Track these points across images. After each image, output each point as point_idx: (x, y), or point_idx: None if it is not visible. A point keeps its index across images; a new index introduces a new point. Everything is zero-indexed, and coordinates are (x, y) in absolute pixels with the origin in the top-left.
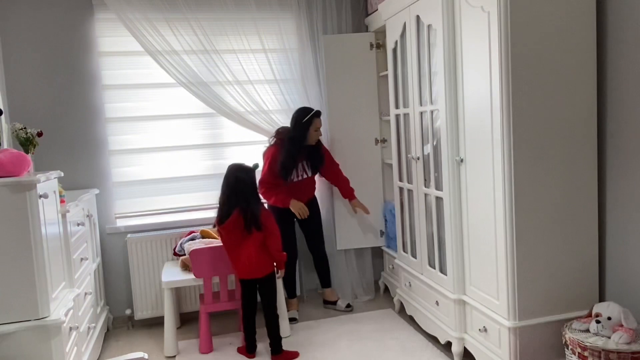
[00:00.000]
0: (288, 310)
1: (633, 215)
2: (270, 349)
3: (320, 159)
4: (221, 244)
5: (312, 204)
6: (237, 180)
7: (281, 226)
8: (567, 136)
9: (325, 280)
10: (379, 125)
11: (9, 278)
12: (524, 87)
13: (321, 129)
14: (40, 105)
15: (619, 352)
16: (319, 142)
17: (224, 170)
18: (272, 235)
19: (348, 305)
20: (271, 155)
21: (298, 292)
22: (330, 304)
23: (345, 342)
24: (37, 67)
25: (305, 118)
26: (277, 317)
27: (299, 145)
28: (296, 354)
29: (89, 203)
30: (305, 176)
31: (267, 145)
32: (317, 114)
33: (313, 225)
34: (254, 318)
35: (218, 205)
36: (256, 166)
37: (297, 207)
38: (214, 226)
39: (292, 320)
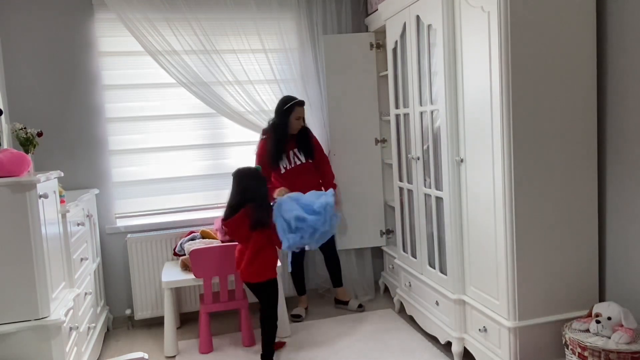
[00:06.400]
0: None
1: (633, 215)
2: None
3: (309, 145)
4: (221, 244)
5: None
6: (249, 182)
7: None
8: (567, 136)
9: (336, 279)
10: (379, 125)
11: (9, 278)
12: (524, 87)
13: (306, 125)
14: (40, 105)
15: (619, 352)
16: (306, 131)
17: (224, 170)
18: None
19: (360, 306)
20: (260, 147)
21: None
22: (341, 303)
23: (345, 342)
24: (37, 67)
25: (286, 105)
26: (274, 327)
27: (283, 131)
28: None
29: (89, 203)
30: (298, 162)
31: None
32: (299, 103)
33: None
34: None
35: (227, 204)
36: (258, 169)
37: (279, 193)
38: (223, 221)
39: (296, 317)
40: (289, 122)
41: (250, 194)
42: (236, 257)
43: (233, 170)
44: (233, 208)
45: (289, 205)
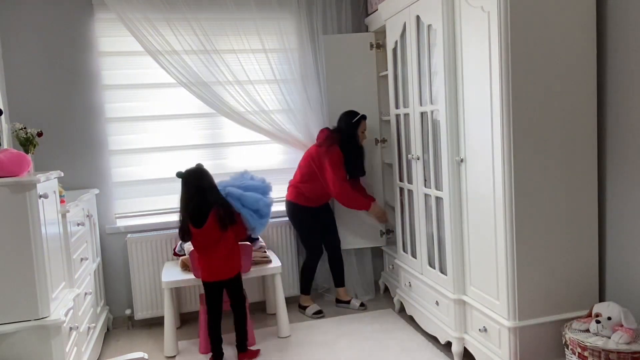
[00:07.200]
0: (308, 306)
1: (633, 215)
2: (236, 345)
3: (361, 166)
4: None
5: (327, 205)
6: (206, 182)
7: (310, 223)
8: (567, 136)
9: (339, 279)
10: (379, 125)
11: (9, 278)
12: (524, 87)
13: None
14: (40, 105)
15: (619, 352)
16: (362, 149)
17: (224, 171)
18: (243, 228)
19: (362, 304)
20: (338, 154)
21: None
22: (343, 303)
23: (345, 342)
24: (37, 67)
25: (354, 119)
26: (245, 315)
27: (356, 143)
28: (258, 353)
29: (89, 203)
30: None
31: (322, 146)
32: (364, 117)
33: (331, 225)
34: (220, 324)
35: (187, 212)
36: (200, 165)
37: (379, 212)
38: (184, 234)
39: (318, 313)
40: (358, 135)
41: (209, 193)
42: (199, 261)
43: (178, 172)
44: (202, 213)
45: (249, 196)
